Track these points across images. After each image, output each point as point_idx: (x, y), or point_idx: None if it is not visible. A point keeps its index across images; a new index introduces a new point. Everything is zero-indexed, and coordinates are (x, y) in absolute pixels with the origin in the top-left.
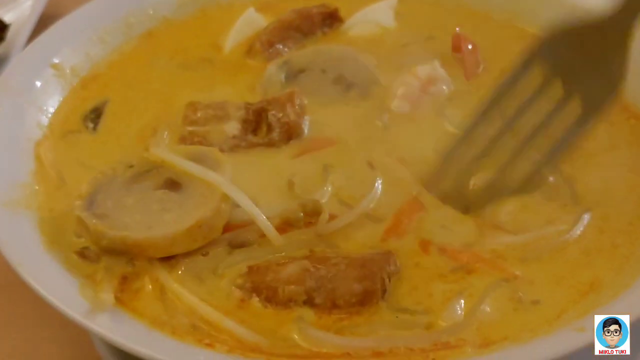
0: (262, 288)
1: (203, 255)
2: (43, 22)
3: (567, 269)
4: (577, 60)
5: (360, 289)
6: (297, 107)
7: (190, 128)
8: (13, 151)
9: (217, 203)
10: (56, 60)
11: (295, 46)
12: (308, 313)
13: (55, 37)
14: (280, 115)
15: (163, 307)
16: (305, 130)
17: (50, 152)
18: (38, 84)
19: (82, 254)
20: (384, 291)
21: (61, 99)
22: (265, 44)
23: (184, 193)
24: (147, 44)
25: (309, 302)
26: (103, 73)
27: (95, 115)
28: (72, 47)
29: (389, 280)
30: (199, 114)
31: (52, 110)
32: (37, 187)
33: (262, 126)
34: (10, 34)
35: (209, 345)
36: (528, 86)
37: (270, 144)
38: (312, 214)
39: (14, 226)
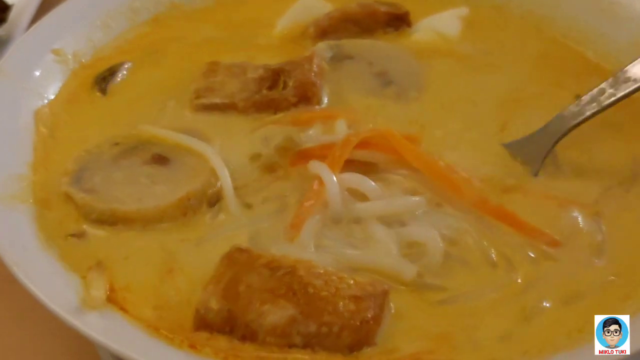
0: (240, 325)
1: None
2: (46, 3)
3: None
4: None
5: (350, 353)
6: (315, 67)
7: (208, 80)
8: (9, 141)
9: (207, 176)
10: (57, 46)
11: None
12: None
13: (57, 21)
14: (296, 72)
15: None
16: (325, 100)
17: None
18: (37, 72)
19: (76, 235)
20: None
21: (61, 85)
22: (319, 30)
23: (173, 167)
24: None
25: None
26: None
27: (109, 73)
28: (74, 32)
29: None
30: (218, 72)
31: (52, 97)
32: (34, 178)
33: (279, 84)
34: (12, 15)
35: (192, 347)
36: None
37: (282, 104)
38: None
39: (9, 223)
